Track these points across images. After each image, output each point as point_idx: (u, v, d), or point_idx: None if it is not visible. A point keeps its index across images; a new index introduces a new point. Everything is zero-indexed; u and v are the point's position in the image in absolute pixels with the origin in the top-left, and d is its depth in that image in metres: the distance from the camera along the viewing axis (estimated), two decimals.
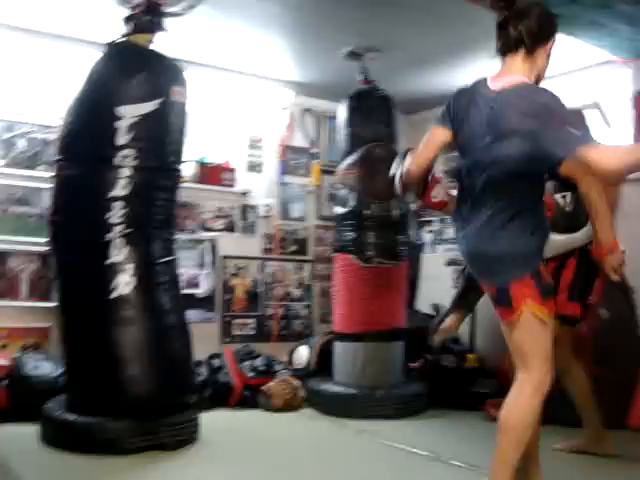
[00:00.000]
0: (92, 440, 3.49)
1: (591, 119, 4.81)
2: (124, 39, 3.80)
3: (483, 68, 5.31)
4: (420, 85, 5.84)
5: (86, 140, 3.68)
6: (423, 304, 6.01)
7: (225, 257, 5.78)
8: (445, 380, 5.16)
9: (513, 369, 2.70)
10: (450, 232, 6.36)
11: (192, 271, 5.57)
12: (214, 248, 5.71)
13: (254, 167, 6.01)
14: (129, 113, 3.61)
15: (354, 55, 5.05)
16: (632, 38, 4.53)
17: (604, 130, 4.99)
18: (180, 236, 5.24)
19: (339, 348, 4.95)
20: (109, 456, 3.41)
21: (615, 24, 4.30)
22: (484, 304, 5.59)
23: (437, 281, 6.30)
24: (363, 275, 4.81)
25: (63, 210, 3.75)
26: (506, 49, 2.68)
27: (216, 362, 5.05)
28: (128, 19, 3.83)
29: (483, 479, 3.22)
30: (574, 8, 4.07)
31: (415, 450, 3.77)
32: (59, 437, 3.59)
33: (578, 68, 5.20)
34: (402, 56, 5.13)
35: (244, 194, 5.88)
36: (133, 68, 3.69)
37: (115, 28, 3.87)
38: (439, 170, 3.74)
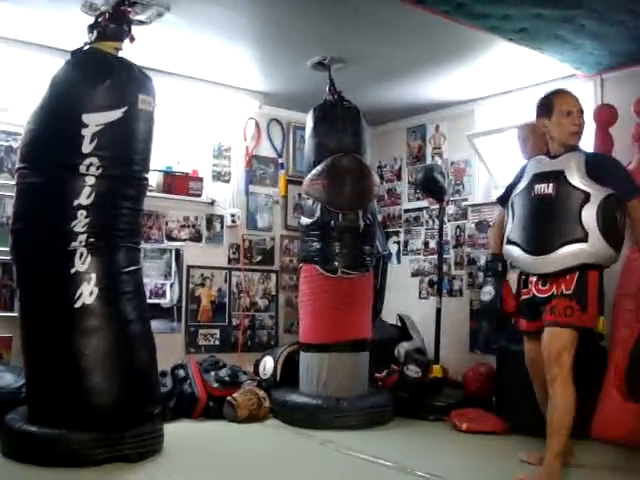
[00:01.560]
0: (54, 452, 3.43)
1: None
2: (89, 46, 3.77)
3: (449, 79, 5.44)
4: (386, 97, 5.88)
5: (50, 148, 3.63)
6: (389, 315, 6.03)
7: (191, 267, 5.75)
8: (410, 390, 5.18)
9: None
10: (416, 243, 6.41)
11: (157, 281, 5.53)
12: (180, 258, 5.68)
13: (220, 177, 6.00)
14: (94, 121, 3.58)
15: (321, 66, 5.07)
16: (594, 53, 4.62)
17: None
18: (145, 246, 5.23)
19: (304, 359, 4.94)
20: (71, 468, 3.36)
21: (578, 39, 4.38)
22: (449, 315, 5.66)
23: (403, 292, 6.34)
24: (329, 285, 4.81)
25: (25, 218, 3.69)
26: None
27: (181, 372, 5.00)
28: (93, 26, 3.80)
29: None
30: (539, 23, 4.13)
31: (380, 460, 3.76)
32: (20, 449, 3.52)
33: (542, 81, 5.26)
34: (369, 68, 5.16)
35: (210, 204, 5.86)
36: (99, 75, 3.65)
37: (80, 35, 3.84)
38: None
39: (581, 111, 3.65)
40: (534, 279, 3.60)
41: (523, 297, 3.70)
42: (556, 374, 3.41)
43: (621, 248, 3.49)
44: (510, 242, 3.72)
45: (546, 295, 3.51)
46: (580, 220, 3.40)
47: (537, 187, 3.60)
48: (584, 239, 3.39)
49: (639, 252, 4.43)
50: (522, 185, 3.73)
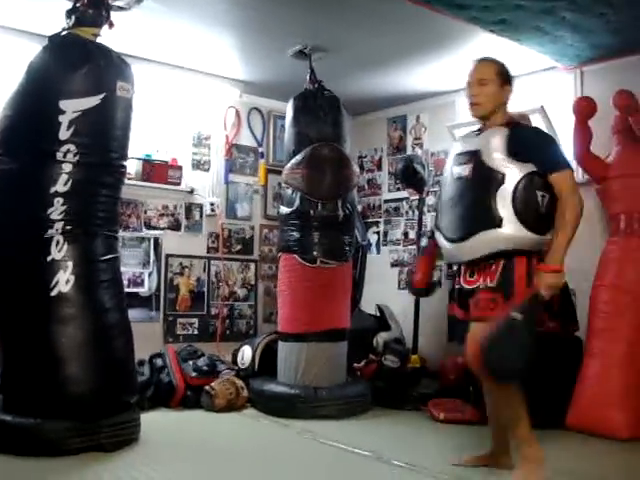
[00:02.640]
0: (29, 441, 3.40)
1: (536, 124, 4.91)
2: (67, 32, 3.73)
3: (430, 70, 5.44)
4: (367, 86, 5.87)
5: (26, 134, 3.59)
6: (368, 305, 6.03)
7: (169, 256, 5.72)
8: (388, 380, 5.20)
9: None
10: (395, 233, 6.42)
11: (135, 269, 5.50)
12: (158, 246, 5.65)
13: (200, 165, 5.97)
14: (71, 107, 3.54)
15: (302, 55, 5.05)
16: (575, 45, 4.64)
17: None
18: (124, 234, 5.20)
19: (283, 348, 4.94)
20: (47, 458, 3.34)
21: (558, 31, 4.40)
22: (428, 305, 5.68)
23: (382, 282, 6.35)
24: (308, 275, 4.80)
25: (1, 205, 3.65)
26: None
27: (159, 362, 4.99)
28: (71, 12, 3.75)
29: (423, 478, 3.27)
30: (519, 14, 4.14)
31: (357, 450, 3.78)
32: None
33: (523, 73, 5.27)
34: (350, 57, 5.15)
35: (189, 192, 5.83)
36: (76, 61, 3.60)
37: (59, 21, 3.79)
38: None
39: (482, 81, 3.33)
40: (463, 269, 3.36)
41: (455, 286, 3.48)
42: None
43: (548, 230, 3.15)
44: (437, 228, 3.50)
45: (472, 287, 3.27)
46: (494, 204, 3.13)
47: (455, 169, 3.36)
48: (498, 224, 3.12)
49: (615, 244, 4.47)
50: (447, 165, 3.49)
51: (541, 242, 3.16)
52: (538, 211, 3.13)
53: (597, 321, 4.45)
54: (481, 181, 3.22)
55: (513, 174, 3.13)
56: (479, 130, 3.43)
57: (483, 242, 3.18)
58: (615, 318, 4.34)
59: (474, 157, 3.26)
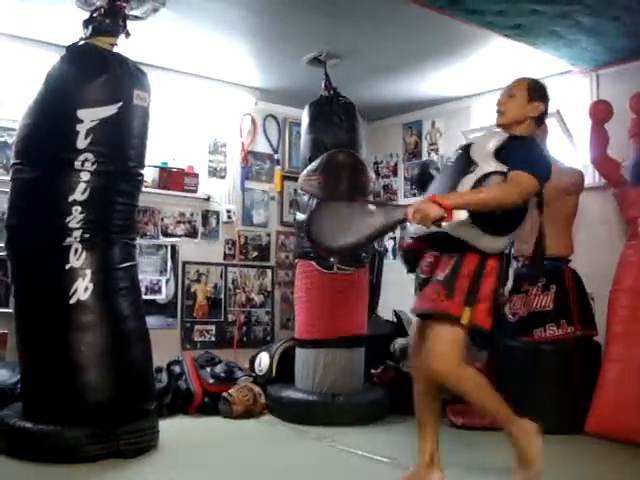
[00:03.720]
0: (49, 448, 3.43)
1: (552, 128, 4.90)
2: (84, 42, 3.76)
3: (445, 75, 5.44)
4: (382, 92, 5.87)
5: (45, 143, 3.62)
6: (385, 310, 6.02)
7: (186, 263, 5.75)
8: (406, 386, 5.17)
9: None
10: None
11: (153, 277, 5.53)
12: (175, 254, 5.67)
13: (216, 172, 5.99)
14: (89, 117, 3.57)
15: (317, 62, 5.06)
16: (590, 49, 4.63)
17: (564, 138, 5.08)
18: (141, 242, 5.22)
19: (300, 354, 4.94)
20: (66, 465, 3.36)
21: (574, 35, 4.38)
22: None
23: (399, 287, 6.32)
24: (324, 281, 4.80)
25: (20, 214, 3.69)
26: None
27: (176, 368, 5.00)
28: (88, 22, 3.79)
29: None
30: (534, 19, 4.14)
31: (375, 456, 3.77)
32: (15, 446, 3.51)
33: (538, 77, 5.26)
34: (364, 63, 5.16)
35: (206, 199, 5.86)
36: (94, 71, 3.64)
37: (76, 30, 3.83)
38: None
39: (511, 94, 3.32)
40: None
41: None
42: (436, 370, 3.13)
43: (504, 233, 3.08)
44: None
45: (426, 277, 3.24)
46: (456, 189, 3.08)
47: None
48: None
49: (632, 248, 4.45)
50: None
51: (495, 243, 3.06)
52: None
53: (616, 326, 4.42)
54: (457, 168, 3.22)
55: (485, 168, 3.08)
56: None
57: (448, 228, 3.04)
58: (634, 323, 4.31)
59: (465, 148, 3.28)
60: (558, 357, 4.52)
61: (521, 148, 3.18)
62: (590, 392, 4.39)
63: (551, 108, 4.52)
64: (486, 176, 3.06)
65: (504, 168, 3.05)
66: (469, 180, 3.08)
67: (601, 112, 4.69)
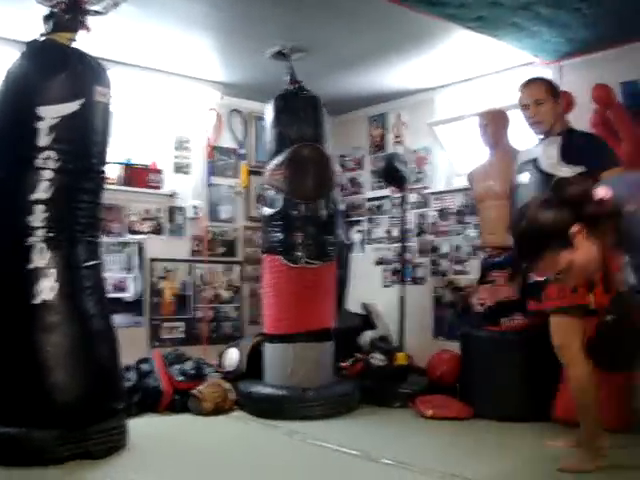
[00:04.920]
0: (16, 451, 3.37)
1: (514, 119, 4.94)
2: (44, 37, 3.70)
3: (409, 68, 5.45)
4: (347, 86, 5.87)
5: (5, 141, 3.58)
6: (353, 303, 6.04)
7: (153, 260, 5.70)
8: (375, 379, 5.21)
9: None
10: (379, 232, 6.43)
11: (119, 275, 5.47)
12: (141, 251, 5.62)
13: (181, 168, 5.95)
14: (50, 114, 3.52)
15: (281, 55, 5.04)
16: (552, 40, 4.67)
17: (527, 129, 5.11)
18: (106, 239, 5.16)
19: (269, 350, 4.94)
20: (34, 467, 3.31)
21: (535, 26, 4.42)
22: (413, 302, 5.70)
23: (366, 280, 6.36)
24: (292, 276, 4.80)
25: None
26: None
27: (145, 367, 4.96)
28: (48, 17, 3.72)
29: (412, 476, 3.28)
30: (496, 11, 4.16)
31: (346, 449, 3.78)
32: None
33: (501, 69, 5.31)
34: (328, 57, 5.15)
35: (171, 196, 5.82)
36: (54, 67, 3.59)
37: (35, 26, 3.76)
38: None
39: (538, 101, 3.68)
40: None
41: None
42: None
43: None
44: None
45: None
46: None
47: (518, 177, 3.73)
48: None
49: None
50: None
51: None
52: None
53: None
54: (537, 184, 3.52)
55: (564, 174, 3.30)
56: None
57: None
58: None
59: (532, 164, 3.60)
60: (525, 346, 4.57)
61: (589, 146, 3.53)
62: (556, 380, 4.44)
63: (514, 99, 4.58)
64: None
65: (582, 169, 3.36)
66: None
67: (563, 103, 4.73)
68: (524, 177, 3.69)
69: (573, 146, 3.51)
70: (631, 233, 2.11)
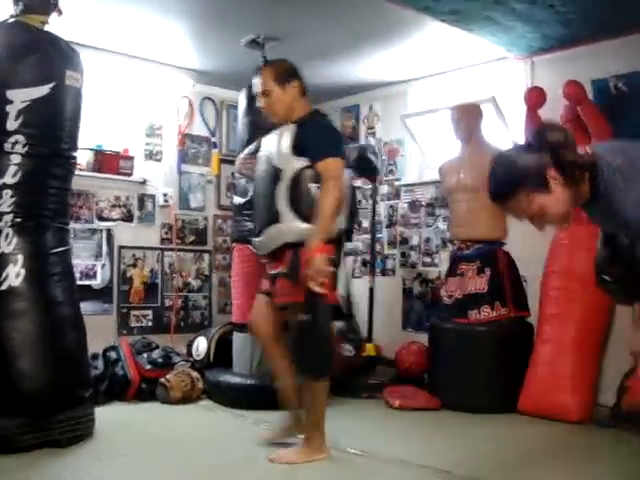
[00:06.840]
0: None
1: (487, 113, 4.97)
2: (15, 19, 3.64)
3: (382, 60, 5.45)
4: (320, 76, 5.84)
5: None
6: None
7: (122, 247, 5.65)
8: (344, 369, 5.21)
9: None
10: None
11: (88, 262, 5.43)
12: (111, 238, 5.58)
13: (152, 155, 5.90)
14: (19, 97, 3.47)
15: (255, 44, 5.01)
16: (526, 36, 4.70)
17: (499, 123, 5.15)
18: (75, 226, 5.12)
19: (237, 339, 4.92)
20: (0, 455, 3.28)
21: (509, 21, 4.44)
22: (382, 294, 5.71)
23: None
24: (261, 265, 4.77)
25: None
26: None
27: (113, 355, 4.93)
28: None
29: (379, 466, 3.30)
30: (470, 4, 4.18)
31: None
32: None
33: (474, 63, 5.34)
34: (302, 46, 5.12)
35: (142, 183, 5.77)
36: (24, 50, 3.53)
37: (6, 8, 3.70)
38: None
39: (265, 92, 3.53)
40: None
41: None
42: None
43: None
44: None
45: (274, 272, 3.54)
46: (275, 200, 3.39)
47: (258, 167, 3.66)
48: (279, 219, 3.39)
49: (564, 232, 4.54)
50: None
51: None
52: (313, 203, 3.31)
53: (548, 307, 4.53)
54: (268, 178, 3.48)
55: (289, 169, 3.36)
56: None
57: (271, 236, 3.46)
58: (565, 304, 4.42)
59: (267, 156, 3.52)
60: (492, 338, 4.62)
61: (315, 137, 3.42)
62: (523, 372, 4.50)
63: (487, 94, 4.63)
64: (292, 178, 3.36)
65: (305, 162, 3.34)
66: (281, 188, 3.37)
67: (535, 98, 4.77)
68: (261, 167, 3.59)
69: (300, 135, 3.40)
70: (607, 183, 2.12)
